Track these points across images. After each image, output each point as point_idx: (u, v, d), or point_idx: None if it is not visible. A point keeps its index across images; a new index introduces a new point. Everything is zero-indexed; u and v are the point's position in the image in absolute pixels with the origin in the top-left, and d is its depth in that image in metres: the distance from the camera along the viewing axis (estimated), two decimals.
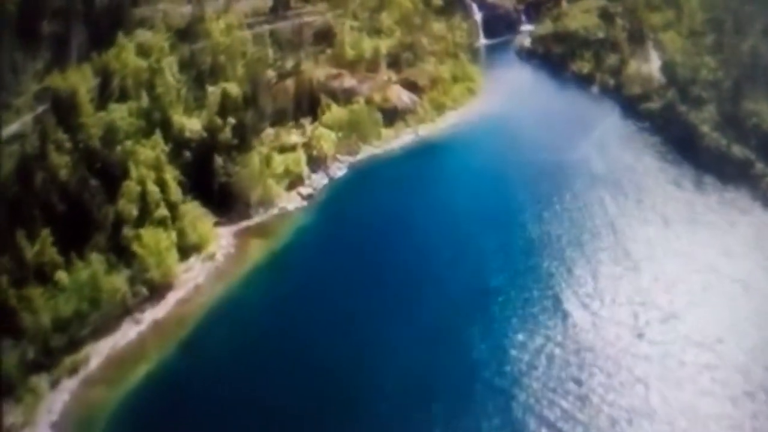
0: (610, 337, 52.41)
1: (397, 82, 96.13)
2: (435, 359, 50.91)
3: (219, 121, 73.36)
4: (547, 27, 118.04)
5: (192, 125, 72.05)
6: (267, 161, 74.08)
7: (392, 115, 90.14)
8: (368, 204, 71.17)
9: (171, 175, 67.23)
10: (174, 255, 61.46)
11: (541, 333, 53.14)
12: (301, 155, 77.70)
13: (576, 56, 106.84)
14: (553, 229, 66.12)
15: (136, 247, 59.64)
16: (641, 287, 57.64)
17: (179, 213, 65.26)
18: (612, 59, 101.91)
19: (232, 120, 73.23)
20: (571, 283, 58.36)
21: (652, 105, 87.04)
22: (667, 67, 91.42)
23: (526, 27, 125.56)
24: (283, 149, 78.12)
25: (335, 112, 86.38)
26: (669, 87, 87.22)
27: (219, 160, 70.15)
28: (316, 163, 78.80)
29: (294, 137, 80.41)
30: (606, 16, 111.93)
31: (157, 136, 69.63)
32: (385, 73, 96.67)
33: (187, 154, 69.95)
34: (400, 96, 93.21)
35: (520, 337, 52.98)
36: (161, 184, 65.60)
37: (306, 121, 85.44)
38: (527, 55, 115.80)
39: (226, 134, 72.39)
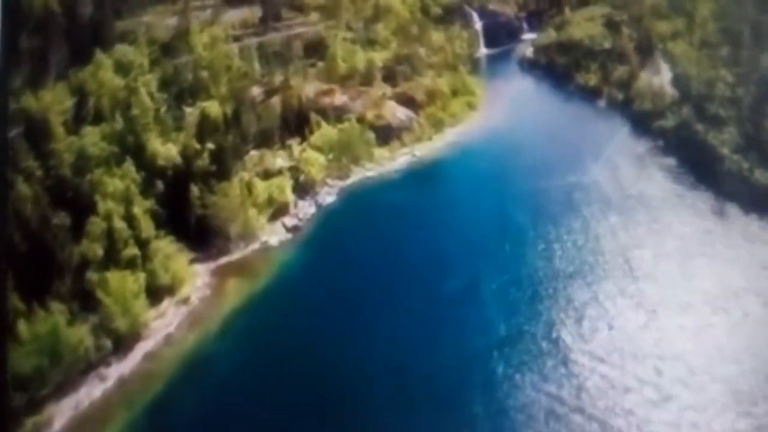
0: (631, 399, 46.29)
1: (392, 98, 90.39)
2: (430, 428, 44.86)
3: (197, 145, 67.65)
4: (550, 36, 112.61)
5: (167, 152, 66.14)
6: (249, 189, 68.14)
7: (386, 134, 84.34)
8: (359, 237, 64.86)
9: (142, 208, 61.62)
10: (142, 301, 55.53)
11: (551, 394, 46.99)
12: (286, 181, 71.78)
13: (581, 67, 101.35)
14: (562, 266, 60.11)
15: (100, 293, 53.85)
16: (663, 336, 51.49)
17: (150, 251, 59.42)
18: (620, 71, 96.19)
19: (210, 145, 67.47)
20: (584, 332, 52.28)
21: (666, 123, 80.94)
22: (680, 81, 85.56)
23: (528, 35, 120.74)
24: (268, 174, 72.18)
25: (325, 131, 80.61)
26: (683, 103, 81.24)
27: (195, 190, 64.21)
28: (303, 189, 72.88)
29: (279, 161, 74.51)
30: (611, 24, 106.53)
31: (129, 163, 64.13)
32: (379, 88, 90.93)
33: (161, 184, 63.86)
34: (395, 113, 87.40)
35: (526, 400, 46.82)
36: (130, 219, 59.87)
37: (294, 142, 79.69)
38: (530, 66, 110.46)
39: (204, 161, 66.63)
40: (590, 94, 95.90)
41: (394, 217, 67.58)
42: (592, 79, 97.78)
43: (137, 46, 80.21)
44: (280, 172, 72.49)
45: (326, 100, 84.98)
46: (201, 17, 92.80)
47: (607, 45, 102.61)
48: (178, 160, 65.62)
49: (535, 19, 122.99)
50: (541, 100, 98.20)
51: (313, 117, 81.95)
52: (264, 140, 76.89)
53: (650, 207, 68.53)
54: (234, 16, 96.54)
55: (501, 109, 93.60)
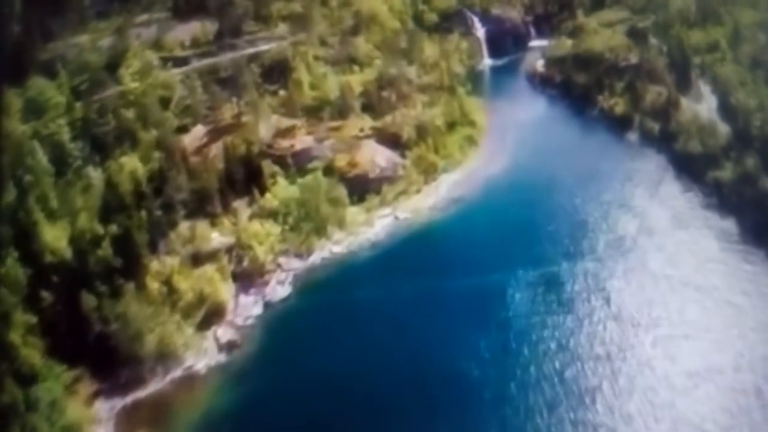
0: None
1: (372, 135, 72.35)
2: None
3: (99, 229, 50.00)
4: (563, 46, 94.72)
5: (55, 241, 48.53)
6: (169, 286, 50.35)
7: (362, 187, 66.55)
8: (317, 365, 46.09)
9: (22, 330, 44.32)
10: None
11: None
12: (222, 269, 53.96)
13: (604, 87, 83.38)
14: (600, 415, 42.32)
15: None
16: None
17: (33, 395, 42.09)
18: (652, 94, 78.14)
19: (114, 228, 49.78)
20: None
21: (722, 173, 62.52)
22: (734, 114, 67.52)
23: (537, 42, 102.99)
24: (199, 259, 54.25)
25: (281, 188, 63.18)
26: (743, 146, 63.01)
27: (91, 300, 46.48)
28: (247, 276, 55.16)
29: (216, 237, 56.63)
30: (635, 33, 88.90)
31: (13, 259, 46.85)
32: (357, 123, 72.96)
33: (49, 295, 46.47)
34: (375, 157, 69.37)
35: None
36: (6, 349, 42.62)
37: (240, 204, 61.83)
38: (541, 83, 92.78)
39: (105, 250, 48.83)
40: (618, 124, 77.88)
41: (366, 326, 49.15)
42: (620, 104, 79.76)
43: (59, 78, 65.21)
44: (215, 255, 54.45)
45: (285, 144, 67.22)
46: (143, 35, 76.22)
47: (633, 59, 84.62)
48: (68, 254, 47.76)
49: (544, 24, 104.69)
50: (558, 132, 79.26)
51: (268, 168, 64.26)
52: (200, 205, 59.02)
53: (713, 301, 50.70)
54: (183, 32, 79.78)
55: (508, 145, 75.70)
